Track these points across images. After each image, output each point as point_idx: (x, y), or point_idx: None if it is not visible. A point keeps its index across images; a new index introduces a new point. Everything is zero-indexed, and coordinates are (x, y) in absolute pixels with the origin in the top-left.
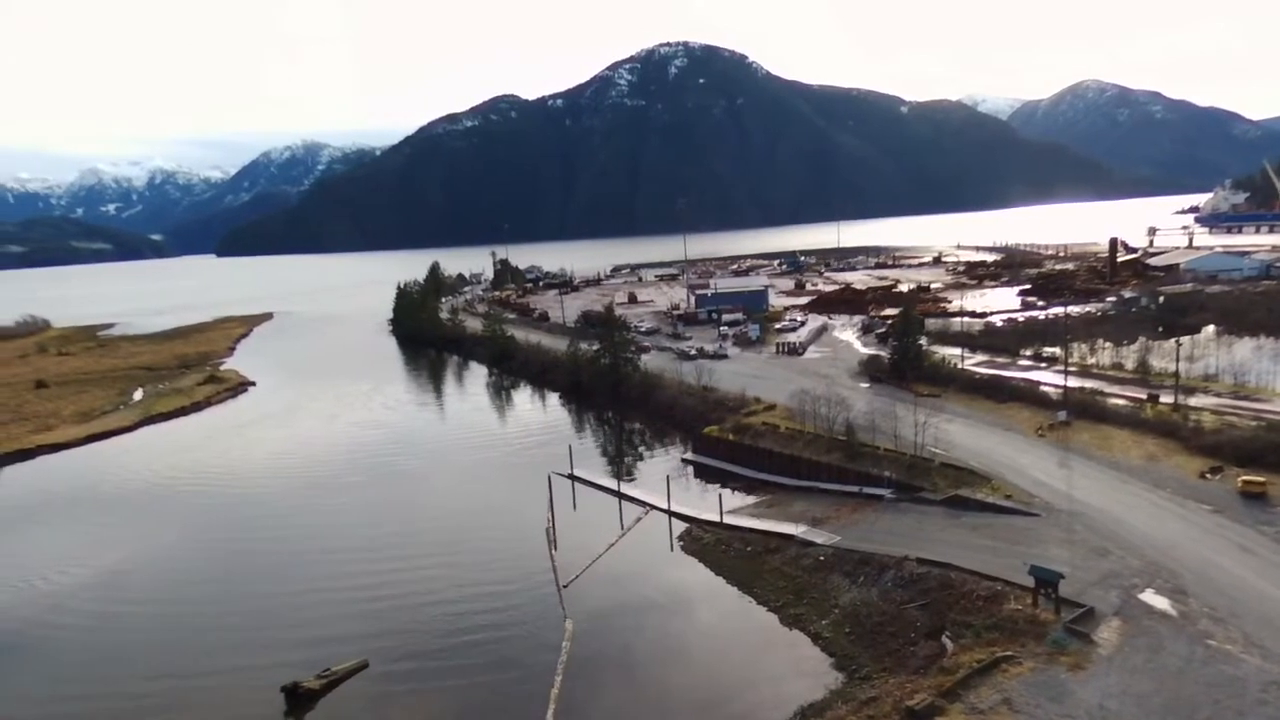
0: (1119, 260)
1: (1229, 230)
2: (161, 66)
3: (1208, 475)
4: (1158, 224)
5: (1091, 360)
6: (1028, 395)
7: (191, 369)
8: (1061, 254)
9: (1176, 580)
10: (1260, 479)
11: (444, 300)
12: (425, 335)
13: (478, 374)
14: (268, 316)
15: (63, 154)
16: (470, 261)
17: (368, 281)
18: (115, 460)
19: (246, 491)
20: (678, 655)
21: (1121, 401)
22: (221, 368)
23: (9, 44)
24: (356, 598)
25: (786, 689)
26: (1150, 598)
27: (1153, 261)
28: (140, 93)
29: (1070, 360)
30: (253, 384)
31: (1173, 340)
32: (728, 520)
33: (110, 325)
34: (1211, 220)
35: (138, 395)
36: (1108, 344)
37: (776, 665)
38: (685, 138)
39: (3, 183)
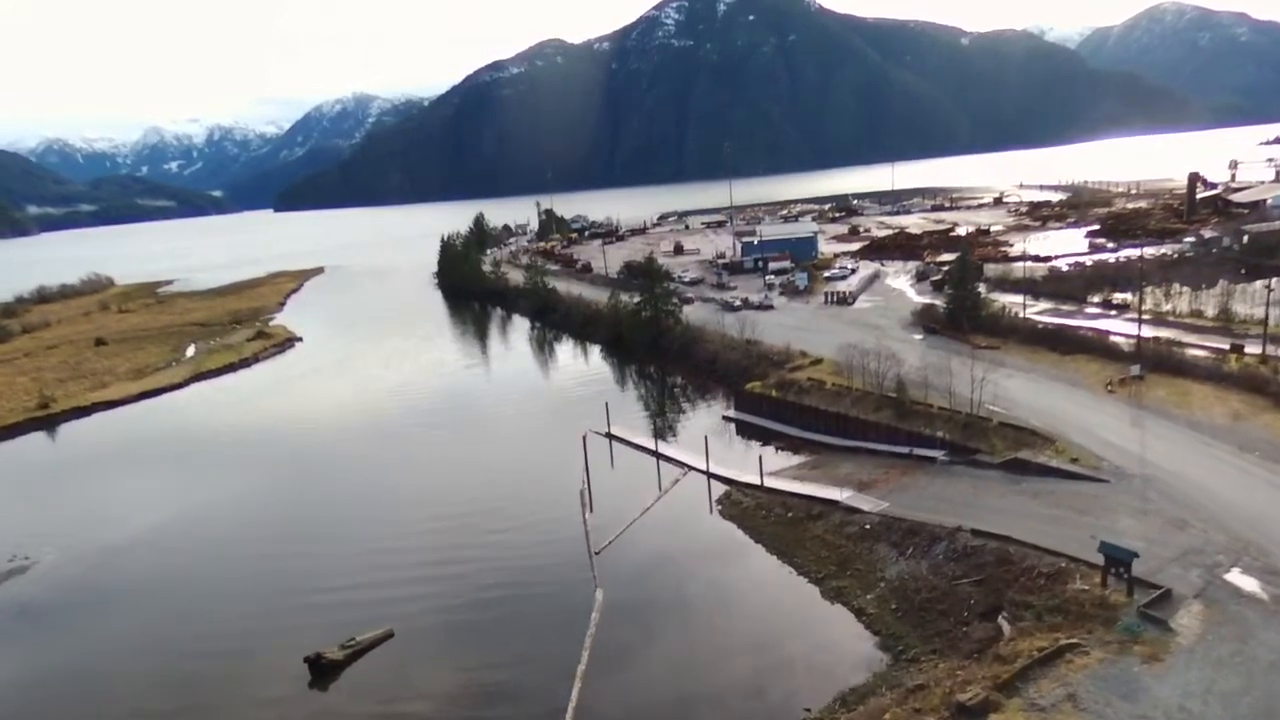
0: (1198, 197)
1: None
2: (211, 22)
3: None
4: (1240, 156)
5: (1166, 307)
6: (1096, 346)
7: (242, 325)
8: (1133, 191)
9: (1267, 558)
10: None
11: (488, 252)
12: (469, 288)
13: (520, 327)
14: (318, 271)
15: (125, 112)
16: (518, 211)
17: (417, 233)
18: (162, 418)
19: (280, 454)
20: (711, 632)
21: (1201, 353)
22: (271, 323)
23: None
24: (384, 563)
25: (826, 671)
26: (1237, 578)
27: (1236, 197)
28: (193, 48)
29: (1143, 307)
30: (299, 339)
31: (1259, 283)
32: (769, 483)
33: (170, 282)
34: None
35: (190, 351)
36: (1184, 289)
37: (816, 644)
38: (734, 78)
39: (72, 143)
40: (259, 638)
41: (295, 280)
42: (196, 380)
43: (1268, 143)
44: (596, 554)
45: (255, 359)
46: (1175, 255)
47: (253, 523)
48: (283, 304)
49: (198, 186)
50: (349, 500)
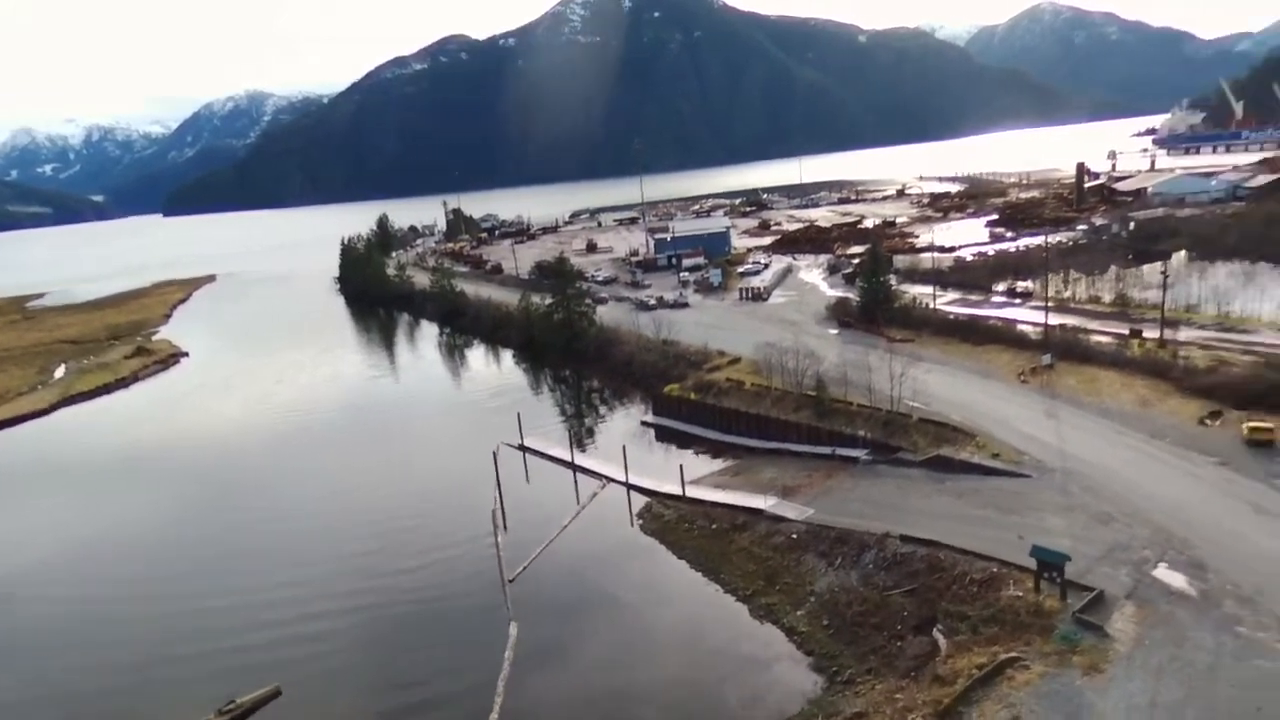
0: (1085, 186)
1: (1187, 151)
2: (86, 18)
3: (1207, 421)
4: (1116, 147)
5: (1067, 293)
6: (1006, 336)
7: (121, 340)
8: (1024, 181)
9: (1191, 551)
10: (1268, 424)
11: (393, 255)
12: (373, 293)
13: (428, 333)
14: (210, 279)
15: None
16: (426, 211)
17: (319, 236)
18: (22, 450)
19: (156, 485)
20: (634, 662)
21: (1104, 339)
22: (154, 338)
23: None
24: (271, 612)
25: (759, 702)
26: (1165, 574)
27: (1120, 186)
28: (67, 46)
29: (1046, 294)
30: (186, 355)
31: (1148, 266)
32: (691, 492)
33: (41, 295)
34: (1170, 141)
35: (59, 373)
36: (1080, 275)
37: (748, 671)
38: (643, 74)
39: None
40: (124, 704)
41: (183, 290)
42: (66, 404)
43: (1139, 134)
44: (510, 582)
45: (134, 378)
46: (1070, 243)
47: (120, 569)
48: (168, 316)
49: (76, 190)
50: (231, 536)
